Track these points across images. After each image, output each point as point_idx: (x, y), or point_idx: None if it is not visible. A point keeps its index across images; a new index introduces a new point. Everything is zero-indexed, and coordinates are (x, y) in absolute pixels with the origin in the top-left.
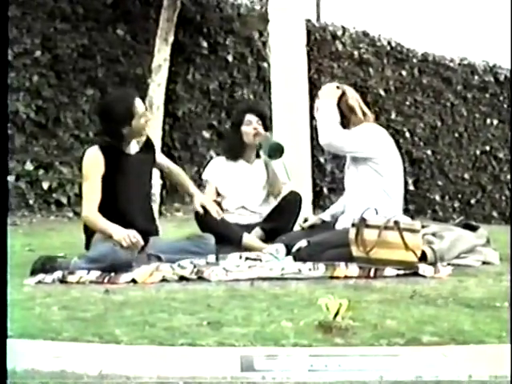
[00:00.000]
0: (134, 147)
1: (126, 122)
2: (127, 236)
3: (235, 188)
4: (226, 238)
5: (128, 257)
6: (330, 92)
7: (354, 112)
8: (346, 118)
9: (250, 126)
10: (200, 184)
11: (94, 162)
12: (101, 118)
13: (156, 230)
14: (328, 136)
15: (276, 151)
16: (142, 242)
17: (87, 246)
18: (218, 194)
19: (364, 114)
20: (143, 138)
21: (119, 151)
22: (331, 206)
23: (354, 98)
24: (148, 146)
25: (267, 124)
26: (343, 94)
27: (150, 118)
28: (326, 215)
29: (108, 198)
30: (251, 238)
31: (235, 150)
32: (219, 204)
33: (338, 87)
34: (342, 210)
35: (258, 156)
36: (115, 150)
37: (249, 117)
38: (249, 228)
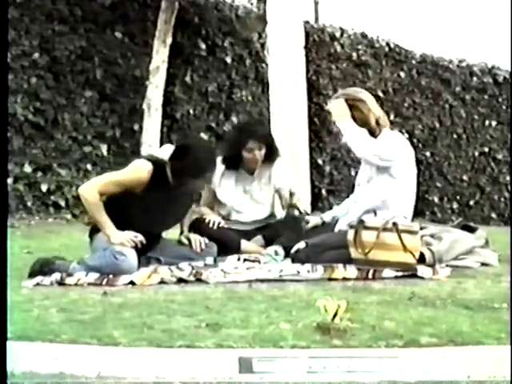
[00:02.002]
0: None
1: (192, 177)
2: (129, 238)
3: (234, 200)
4: (224, 245)
5: (129, 269)
6: (341, 112)
7: (367, 123)
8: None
9: (251, 153)
10: None
11: (137, 177)
12: (184, 154)
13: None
14: (364, 150)
15: None
16: (144, 241)
17: (91, 236)
18: (215, 198)
19: (377, 122)
20: None
21: (166, 176)
22: (334, 208)
23: (365, 108)
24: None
25: (272, 150)
26: (352, 107)
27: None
28: (327, 216)
29: (132, 204)
30: (249, 245)
31: (234, 164)
32: (212, 208)
33: (347, 100)
34: (344, 213)
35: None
36: (164, 173)
37: (251, 144)
38: (248, 234)
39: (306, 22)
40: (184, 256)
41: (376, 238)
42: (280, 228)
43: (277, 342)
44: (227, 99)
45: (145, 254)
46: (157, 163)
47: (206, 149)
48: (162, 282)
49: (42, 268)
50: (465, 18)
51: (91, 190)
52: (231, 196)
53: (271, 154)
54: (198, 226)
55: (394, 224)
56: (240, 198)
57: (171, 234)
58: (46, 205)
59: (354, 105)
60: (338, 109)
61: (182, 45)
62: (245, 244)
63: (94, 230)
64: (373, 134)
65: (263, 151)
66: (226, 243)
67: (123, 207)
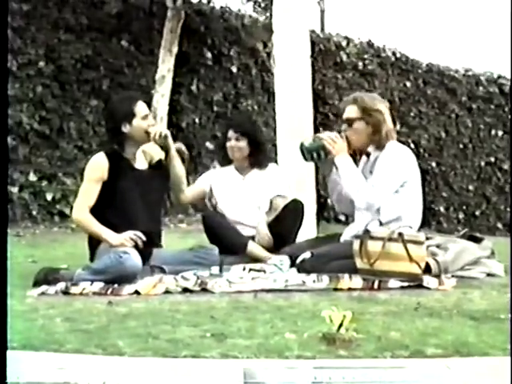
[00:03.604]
0: (141, 162)
1: (126, 120)
2: (128, 238)
3: (229, 201)
4: (231, 243)
5: (133, 269)
6: (339, 147)
7: (378, 133)
8: (370, 138)
9: (230, 143)
10: None
11: (96, 167)
12: (104, 117)
13: (159, 245)
14: (364, 199)
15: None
16: (144, 238)
17: (92, 259)
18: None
19: (387, 134)
20: (155, 158)
21: (124, 159)
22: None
23: (381, 118)
24: (160, 167)
25: (256, 140)
26: (366, 115)
27: (153, 123)
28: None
29: (108, 203)
30: (256, 247)
31: (223, 157)
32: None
33: (363, 108)
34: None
35: (252, 167)
36: (120, 157)
37: (230, 133)
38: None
39: (312, 32)
40: (187, 261)
41: (382, 248)
42: (279, 223)
43: (282, 352)
44: (233, 108)
45: (147, 258)
46: (109, 151)
47: (116, 98)
48: (167, 291)
49: (46, 277)
50: (471, 28)
51: (83, 211)
52: (227, 202)
53: (256, 151)
54: (205, 224)
55: (400, 234)
56: (236, 204)
57: (173, 244)
58: (51, 214)
59: (368, 113)
60: (336, 143)
61: (188, 54)
62: (252, 245)
63: (92, 246)
64: (378, 146)
65: (243, 143)
66: (234, 241)
67: (107, 206)
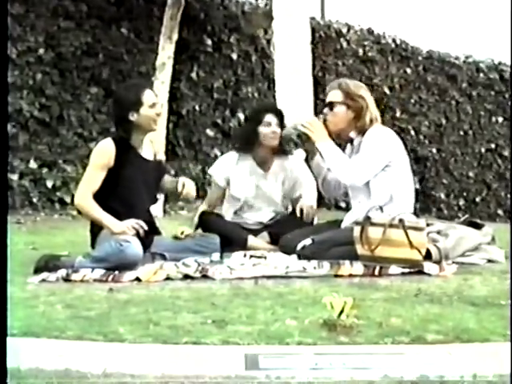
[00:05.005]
0: (148, 152)
1: (134, 108)
2: (130, 226)
3: (247, 194)
4: (231, 240)
5: (134, 257)
6: (319, 132)
7: (361, 118)
8: (351, 123)
9: (270, 127)
10: (203, 182)
11: (103, 153)
12: (112, 105)
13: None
14: (350, 177)
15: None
16: (145, 227)
17: (93, 245)
18: (227, 194)
19: (371, 120)
20: (159, 155)
21: (131, 146)
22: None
23: (364, 105)
24: (160, 163)
25: (284, 125)
26: (350, 100)
27: (161, 111)
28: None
29: (112, 190)
30: (256, 241)
31: (249, 144)
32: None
33: (346, 93)
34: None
35: (274, 156)
36: (128, 145)
37: (269, 117)
38: (254, 231)
39: (312, 18)
40: (188, 249)
41: (382, 235)
42: (286, 224)
43: (283, 338)
44: (233, 95)
45: (148, 246)
46: (116, 137)
47: (123, 86)
48: (168, 278)
49: (47, 264)
50: (471, 14)
51: (86, 197)
52: (243, 191)
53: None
54: (205, 220)
55: (401, 220)
56: (252, 193)
57: (174, 231)
58: (52, 201)
59: (351, 98)
60: (315, 128)
61: (188, 41)
62: (252, 240)
63: (94, 232)
64: (361, 131)
65: (280, 130)
66: (233, 238)
67: (110, 193)
